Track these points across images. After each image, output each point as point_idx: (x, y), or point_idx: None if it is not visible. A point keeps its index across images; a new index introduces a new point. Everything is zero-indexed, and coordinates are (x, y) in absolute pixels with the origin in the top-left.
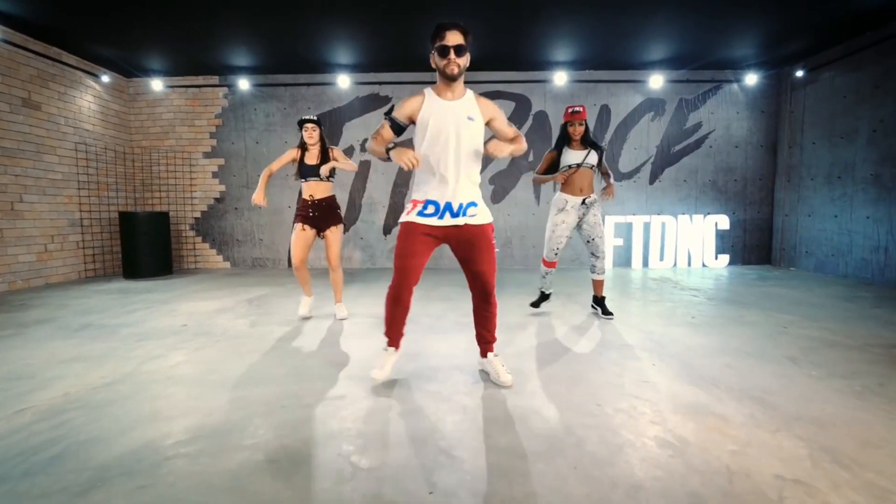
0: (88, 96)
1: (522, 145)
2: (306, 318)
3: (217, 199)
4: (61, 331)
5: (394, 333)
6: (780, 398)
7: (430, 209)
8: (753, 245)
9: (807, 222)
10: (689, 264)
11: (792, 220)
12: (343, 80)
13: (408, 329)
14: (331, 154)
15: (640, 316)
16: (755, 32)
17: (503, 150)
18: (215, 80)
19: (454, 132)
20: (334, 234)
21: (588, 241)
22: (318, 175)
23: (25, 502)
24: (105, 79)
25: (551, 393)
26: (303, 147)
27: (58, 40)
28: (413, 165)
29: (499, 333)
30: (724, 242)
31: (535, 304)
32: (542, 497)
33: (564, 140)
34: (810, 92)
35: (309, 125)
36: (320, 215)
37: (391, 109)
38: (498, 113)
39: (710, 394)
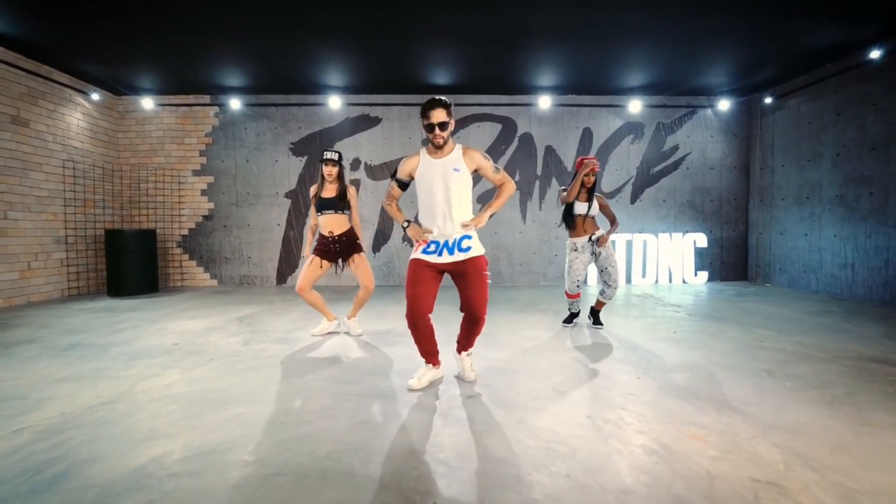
0: (77, 114)
1: (505, 195)
2: (315, 336)
3: (205, 217)
4: (48, 350)
5: (424, 353)
6: (756, 408)
7: (432, 248)
8: (730, 262)
9: (779, 240)
10: (670, 281)
11: (766, 238)
12: (334, 101)
13: (408, 346)
14: (348, 192)
15: (624, 331)
16: (727, 62)
17: (483, 221)
18: (206, 99)
19: (442, 184)
20: (360, 259)
21: (602, 271)
22: (333, 208)
23: None
24: (95, 96)
25: (542, 406)
26: (321, 180)
27: (49, 58)
28: (424, 242)
29: (490, 348)
30: (703, 259)
31: (567, 321)
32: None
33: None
34: (779, 118)
35: (329, 163)
36: (342, 249)
37: (395, 172)
38: (483, 161)
39: (692, 405)
